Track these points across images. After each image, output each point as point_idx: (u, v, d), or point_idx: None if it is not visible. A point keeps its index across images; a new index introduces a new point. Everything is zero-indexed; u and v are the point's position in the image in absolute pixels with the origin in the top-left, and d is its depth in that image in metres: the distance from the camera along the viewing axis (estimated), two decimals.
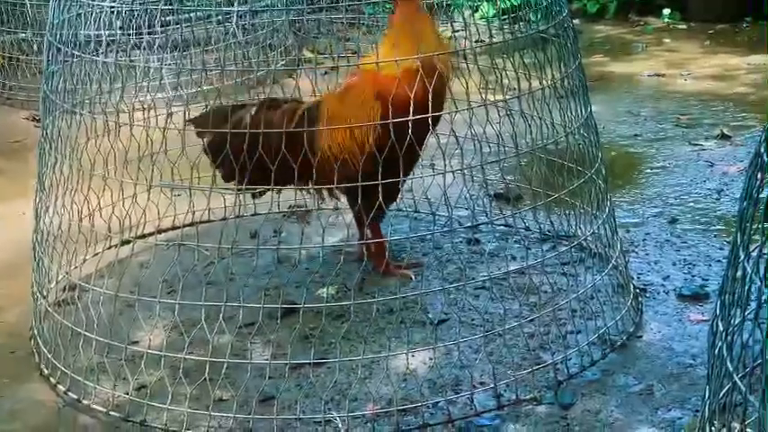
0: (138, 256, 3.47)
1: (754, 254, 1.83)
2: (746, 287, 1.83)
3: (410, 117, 2.93)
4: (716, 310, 1.87)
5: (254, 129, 3.01)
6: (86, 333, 2.99)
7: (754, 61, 6.10)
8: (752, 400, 1.72)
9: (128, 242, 3.32)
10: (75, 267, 3.39)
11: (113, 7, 3.05)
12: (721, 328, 1.79)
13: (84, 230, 3.24)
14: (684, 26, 6.99)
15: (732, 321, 1.84)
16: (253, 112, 3.20)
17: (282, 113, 3.19)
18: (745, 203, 1.84)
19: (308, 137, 3.04)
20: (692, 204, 4.12)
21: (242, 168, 3.00)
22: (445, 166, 2.93)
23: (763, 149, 1.83)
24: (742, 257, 1.73)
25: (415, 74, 3.02)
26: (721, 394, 1.85)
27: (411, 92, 2.95)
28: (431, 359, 3.00)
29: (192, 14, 5.22)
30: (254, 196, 3.56)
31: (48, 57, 3.22)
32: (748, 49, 6.36)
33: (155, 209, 3.29)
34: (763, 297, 1.79)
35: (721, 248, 3.71)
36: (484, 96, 2.99)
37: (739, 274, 1.80)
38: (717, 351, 1.82)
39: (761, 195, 1.85)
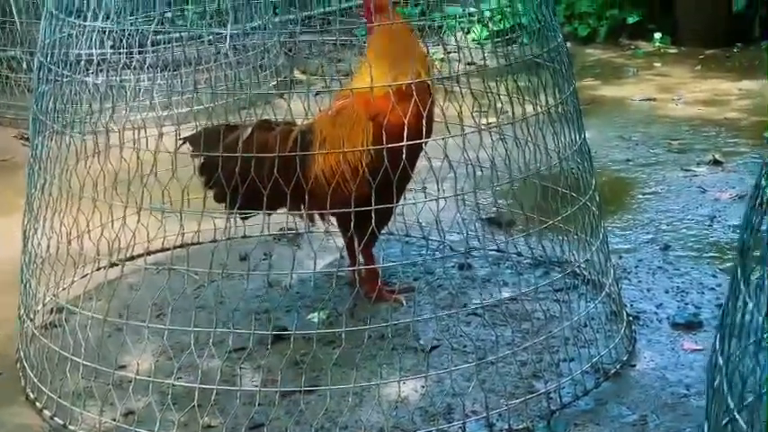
0: (127, 278, 3.45)
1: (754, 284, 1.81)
2: (745, 317, 1.81)
3: (404, 138, 2.91)
4: (715, 344, 1.85)
5: (247, 151, 2.98)
6: (73, 357, 2.95)
7: (745, 87, 6.10)
8: None
9: (116, 264, 3.29)
10: (63, 289, 3.36)
11: (105, 27, 3.02)
12: (721, 362, 1.77)
13: (73, 253, 3.21)
14: (675, 50, 6.99)
15: (732, 358, 1.81)
16: (246, 134, 3.17)
17: (276, 136, 3.16)
18: (745, 236, 1.82)
19: (301, 161, 3.01)
20: (684, 231, 4.10)
21: (234, 191, 2.97)
22: (438, 191, 2.91)
23: (763, 181, 1.81)
24: (743, 290, 1.71)
25: (408, 94, 3.02)
26: (721, 426, 1.83)
27: (404, 112, 2.94)
28: (422, 387, 2.96)
29: (182, 34, 5.19)
30: (244, 218, 3.52)
31: (38, 77, 3.19)
32: (739, 75, 6.36)
33: (144, 231, 3.26)
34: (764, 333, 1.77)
35: (714, 276, 3.69)
36: (477, 120, 2.98)
37: (740, 304, 1.77)
38: (716, 385, 1.80)
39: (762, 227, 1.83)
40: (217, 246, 3.66)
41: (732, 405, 1.69)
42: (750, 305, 1.66)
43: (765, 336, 1.75)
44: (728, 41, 6.91)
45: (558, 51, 3.18)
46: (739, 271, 1.76)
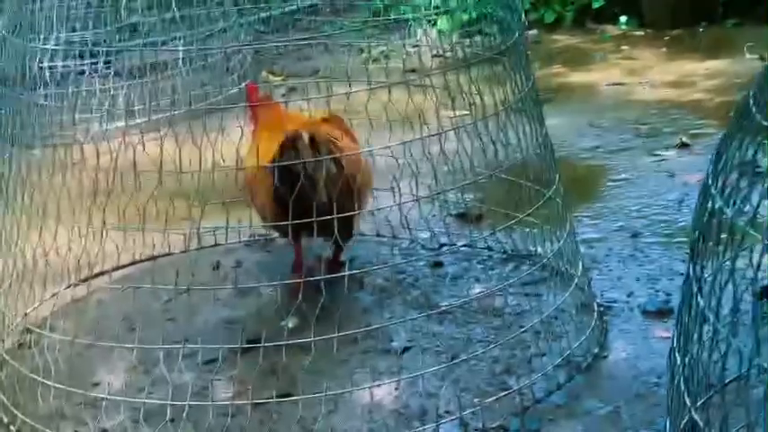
0: (96, 295, 3.44)
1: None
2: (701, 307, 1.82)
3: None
4: (673, 342, 1.86)
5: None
6: (44, 380, 2.92)
7: (710, 66, 6.11)
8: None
9: (85, 280, 3.30)
10: (33, 309, 3.35)
11: (58, 48, 3.01)
12: (678, 360, 1.77)
13: (41, 271, 3.20)
14: (641, 33, 6.99)
15: (689, 354, 1.82)
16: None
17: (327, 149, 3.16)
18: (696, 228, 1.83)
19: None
20: (653, 217, 4.10)
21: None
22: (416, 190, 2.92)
23: None
24: (695, 290, 1.72)
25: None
26: (682, 424, 1.83)
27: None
28: (396, 390, 2.96)
29: (144, 41, 5.16)
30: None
31: None
32: (705, 55, 6.36)
33: (112, 245, 3.25)
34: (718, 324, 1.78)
35: (684, 261, 3.69)
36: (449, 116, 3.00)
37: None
38: (675, 383, 1.81)
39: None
40: (188, 255, 3.70)
41: (689, 403, 1.69)
42: (706, 306, 1.66)
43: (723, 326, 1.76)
44: (693, 22, 6.92)
45: (514, 46, 3.18)
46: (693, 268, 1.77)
